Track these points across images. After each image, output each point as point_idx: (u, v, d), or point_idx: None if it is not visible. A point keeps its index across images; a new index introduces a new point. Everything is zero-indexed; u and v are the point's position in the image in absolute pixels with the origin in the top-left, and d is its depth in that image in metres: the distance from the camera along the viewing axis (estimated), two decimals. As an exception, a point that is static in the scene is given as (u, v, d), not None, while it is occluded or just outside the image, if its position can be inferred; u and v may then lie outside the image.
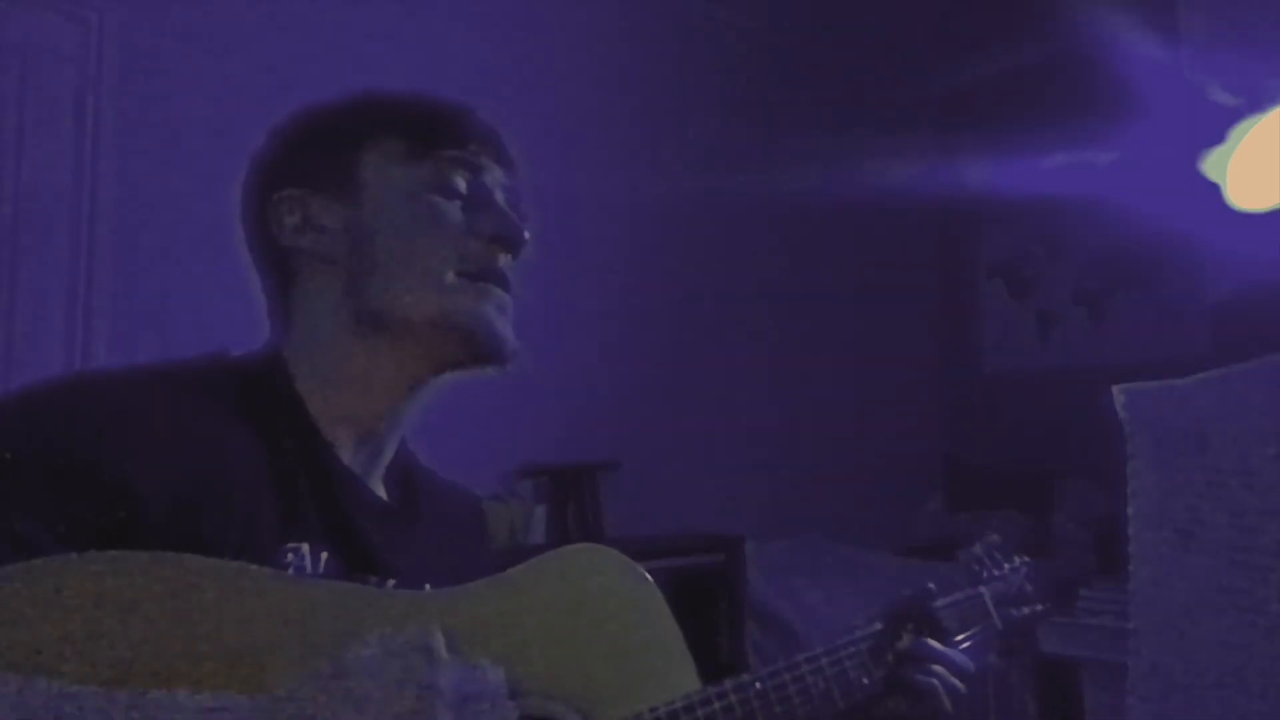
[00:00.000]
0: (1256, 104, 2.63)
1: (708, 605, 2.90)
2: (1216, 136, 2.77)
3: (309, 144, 0.82)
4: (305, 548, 0.68)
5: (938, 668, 0.84)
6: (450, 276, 0.77)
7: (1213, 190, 2.83)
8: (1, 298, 2.26)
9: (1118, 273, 3.98)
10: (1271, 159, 2.61)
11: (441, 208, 0.79)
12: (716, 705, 0.71)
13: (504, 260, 0.81)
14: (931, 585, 0.92)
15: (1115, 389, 1.40)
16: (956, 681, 0.85)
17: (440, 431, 0.81)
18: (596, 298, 3.00)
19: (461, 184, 0.80)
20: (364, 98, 0.84)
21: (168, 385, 0.69)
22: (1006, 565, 1.05)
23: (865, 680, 0.83)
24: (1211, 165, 2.81)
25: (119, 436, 0.62)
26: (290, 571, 0.66)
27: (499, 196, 0.82)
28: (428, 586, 0.74)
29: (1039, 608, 1.05)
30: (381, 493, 0.80)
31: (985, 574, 1.03)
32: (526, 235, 0.81)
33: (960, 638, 0.92)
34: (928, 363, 4.57)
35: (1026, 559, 1.09)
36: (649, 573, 0.79)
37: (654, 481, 3.28)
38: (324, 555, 0.69)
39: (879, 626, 0.87)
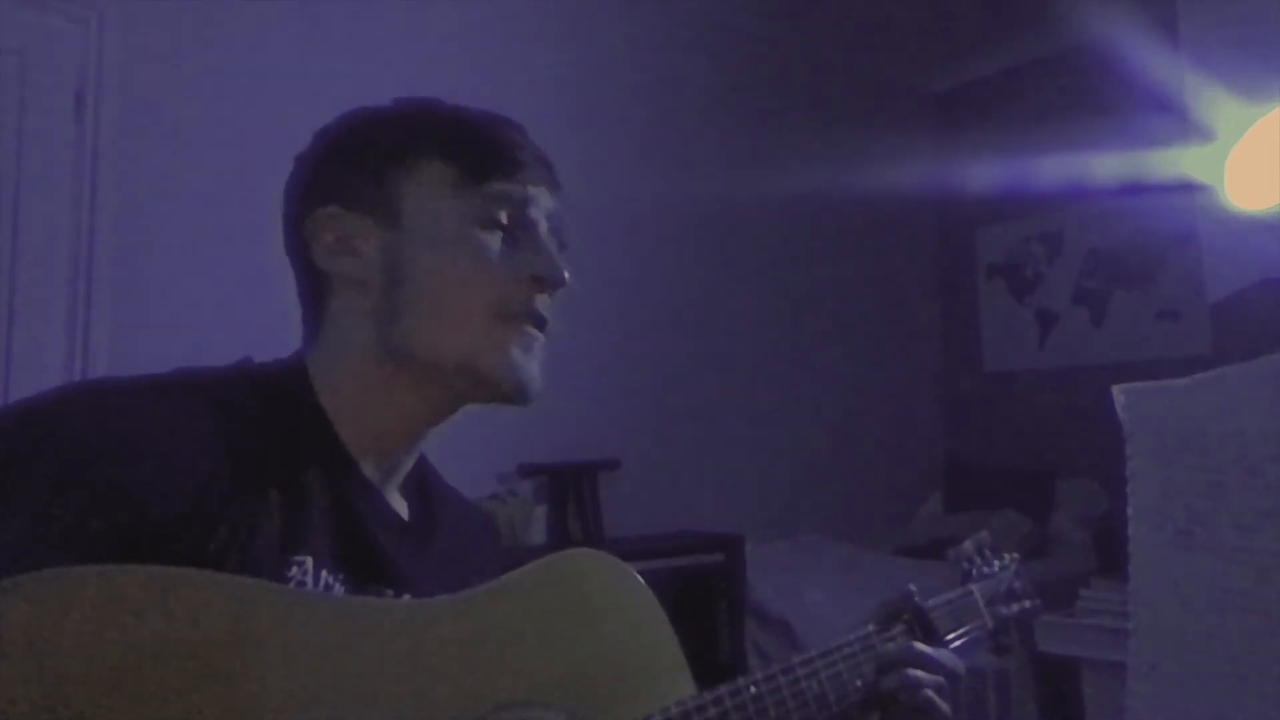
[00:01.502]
0: (1256, 104, 2.63)
1: (708, 605, 2.91)
2: (1215, 136, 2.77)
3: (354, 158, 0.78)
4: (309, 561, 0.67)
5: (924, 674, 0.84)
6: (484, 318, 0.75)
7: (1212, 190, 2.83)
8: (1, 298, 2.26)
9: (1118, 273, 3.98)
10: (1271, 159, 2.61)
11: (483, 243, 0.76)
12: (712, 711, 0.71)
13: (542, 300, 0.77)
14: (912, 587, 0.92)
15: (1115, 389, 1.40)
16: (944, 681, 0.85)
17: (441, 431, 0.81)
18: (597, 298, 3.00)
19: (504, 216, 0.77)
20: (416, 111, 0.80)
21: (175, 392, 0.68)
22: (996, 563, 1.06)
23: (859, 683, 0.82)
24: (1210, 165, 2.81)
25: (119, 441, 0.62)
26: (292, 585, 0.66)
27: (542, 228, 0.79)
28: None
29: (1028, 604, 1.05)
30: (399, 503, 0.80)
31: (975, 572, 1.03)
32: (567, 276, 0.78)
33: (951, 636, 0.92)
34: (928, 363, 4.58)
35: (1016, 556, 1.10)
36: (650, 573, 0.78)
37: (654, 481, 3.29)
38: (324, 572, 0.68)
39: (872, 628, 0.87)
